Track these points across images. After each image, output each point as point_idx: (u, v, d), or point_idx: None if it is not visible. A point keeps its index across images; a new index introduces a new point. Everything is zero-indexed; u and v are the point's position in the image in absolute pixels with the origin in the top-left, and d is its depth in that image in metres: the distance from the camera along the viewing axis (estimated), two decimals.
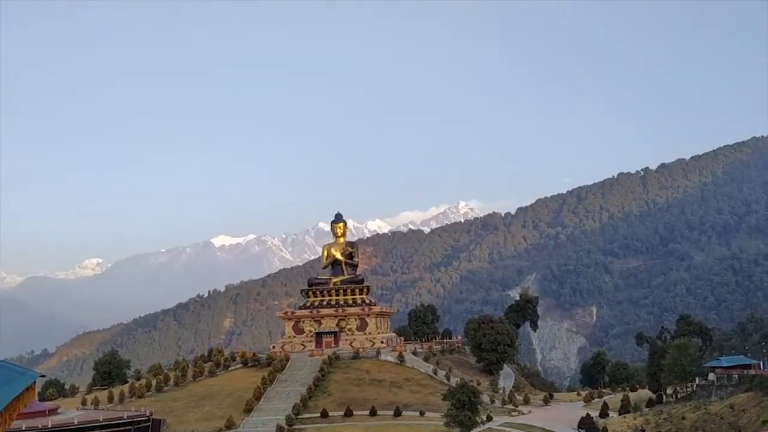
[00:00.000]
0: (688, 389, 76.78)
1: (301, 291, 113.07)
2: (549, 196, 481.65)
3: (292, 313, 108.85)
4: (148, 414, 66.19)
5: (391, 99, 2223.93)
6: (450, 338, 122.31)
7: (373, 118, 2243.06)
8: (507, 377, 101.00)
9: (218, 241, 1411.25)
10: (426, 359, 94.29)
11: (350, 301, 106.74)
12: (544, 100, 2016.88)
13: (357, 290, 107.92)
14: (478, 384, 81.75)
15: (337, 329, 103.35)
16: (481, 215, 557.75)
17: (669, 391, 79.42)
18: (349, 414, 72.97)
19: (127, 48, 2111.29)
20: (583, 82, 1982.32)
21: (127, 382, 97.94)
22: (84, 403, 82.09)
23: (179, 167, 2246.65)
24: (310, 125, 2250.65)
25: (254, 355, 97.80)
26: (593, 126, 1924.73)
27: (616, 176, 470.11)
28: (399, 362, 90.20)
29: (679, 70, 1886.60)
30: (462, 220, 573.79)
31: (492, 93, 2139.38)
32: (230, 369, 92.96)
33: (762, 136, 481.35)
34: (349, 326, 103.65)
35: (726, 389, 68.11)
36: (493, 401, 78.96)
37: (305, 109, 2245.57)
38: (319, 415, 73.03)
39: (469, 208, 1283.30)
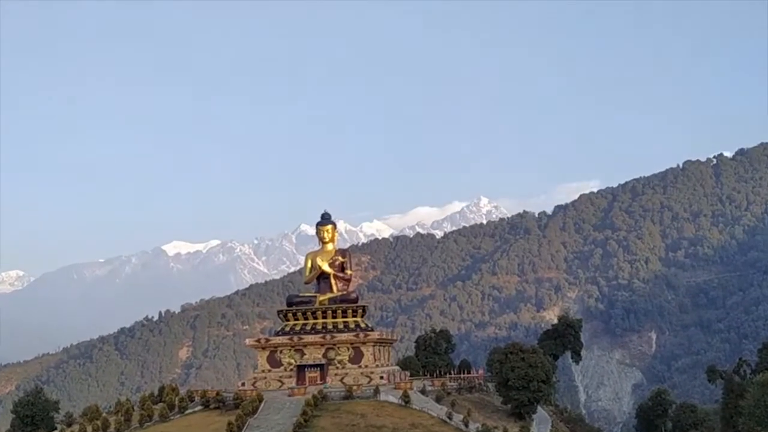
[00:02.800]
0: None
1: (278, 312, 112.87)
2: (596, 191, 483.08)
3: (267, 340, 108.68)
4: None
5: (390, 74, 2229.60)
6: (469, 372, 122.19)
7: (369, 97, 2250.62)
8: (542, 422, 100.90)
9: (172, 248, 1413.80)
10: (438, 399, 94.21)
11: (341, 326, 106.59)
12: (586, 79, 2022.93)
13: (350, 311, 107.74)
14: (505, 431, 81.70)
15: (324, 361, 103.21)
16: (509, 215, 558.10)
17: None
18: None
19: (70, 37, 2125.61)
20: (640, 54, 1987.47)
21: (56, 428, 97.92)
22: None
23: (121, 158, 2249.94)
24: (290, 103, 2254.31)
25: (218, 394, 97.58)
26: (652, 103, 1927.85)
27: (681, 165, 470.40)
28: (403, 403, 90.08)
29: (755, 36, 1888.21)
30: (484, 222, 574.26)
31: (522, 71, 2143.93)
32: (187, 412, 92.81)
33: None
34: (339, 357, 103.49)
35: None
36: None
37: (283, 86, 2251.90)
38: None
39: (493, 206, 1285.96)
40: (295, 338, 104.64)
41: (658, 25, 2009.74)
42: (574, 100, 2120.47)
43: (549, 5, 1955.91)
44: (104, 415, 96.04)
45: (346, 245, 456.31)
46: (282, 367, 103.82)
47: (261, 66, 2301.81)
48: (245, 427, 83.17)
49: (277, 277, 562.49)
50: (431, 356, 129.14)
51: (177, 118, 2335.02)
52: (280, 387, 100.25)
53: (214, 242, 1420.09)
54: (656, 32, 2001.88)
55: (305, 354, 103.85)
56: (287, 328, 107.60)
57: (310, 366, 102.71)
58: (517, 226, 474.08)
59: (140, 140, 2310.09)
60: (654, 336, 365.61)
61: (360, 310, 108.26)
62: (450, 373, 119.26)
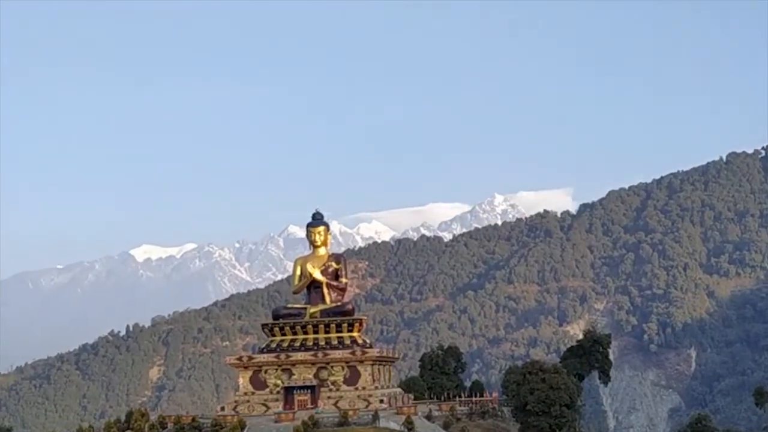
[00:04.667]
0: None
1: (263, 326, 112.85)
2: (627, 187, 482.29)
3: (250, 358, 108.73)
4: None
5: (389, 56, 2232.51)
6: (481, 395, 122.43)
7: (366, 81, 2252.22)
8: None
9: (141, 253, 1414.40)
10: (446, 426, 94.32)
11: (335, 342, 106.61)
12: (615, 61, 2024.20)
13: (345, 325, 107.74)
14: None
15: (315, 382, 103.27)
16: (528, 215, 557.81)
17: None
18: None
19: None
20: (678, 34, 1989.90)
21: None
22: None
23: (83, 151, 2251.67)
24: (277, 88, 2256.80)
25: (194, 419, 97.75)
26: (691, 88, 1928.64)
27: (724, 158, 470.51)
28: (406, 431, 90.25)
29: None
30: (499, 222, 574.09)
31: (544, 55, 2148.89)
32: None
33: None
34: (333, 378, 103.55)
35: None
36: None
37: (270, 69, 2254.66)
38: None
39: (509, 204, 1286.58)
40: (282, 356, 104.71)
41: (700, 8, 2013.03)
42: (601, 84, 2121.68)
43: None
44: None
45: (341, 249, 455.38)
46: (267, 389, 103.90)
47: (247, 49, 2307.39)
48: None
49: (262, 285, 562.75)
50: (438, 377, 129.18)
51: (145, 106, 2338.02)
52: (265, 412, 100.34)
53: (190, 246, 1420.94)
54: (696, 14, 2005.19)
55: (294, 374, 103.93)
56: (273, 345, 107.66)
57: (300, 388, 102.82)
58: (537, 227, 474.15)
59: (104, 131, 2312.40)
60: (694, 353, 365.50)
61: (357, 324, 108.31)
62: (460, 396, 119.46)
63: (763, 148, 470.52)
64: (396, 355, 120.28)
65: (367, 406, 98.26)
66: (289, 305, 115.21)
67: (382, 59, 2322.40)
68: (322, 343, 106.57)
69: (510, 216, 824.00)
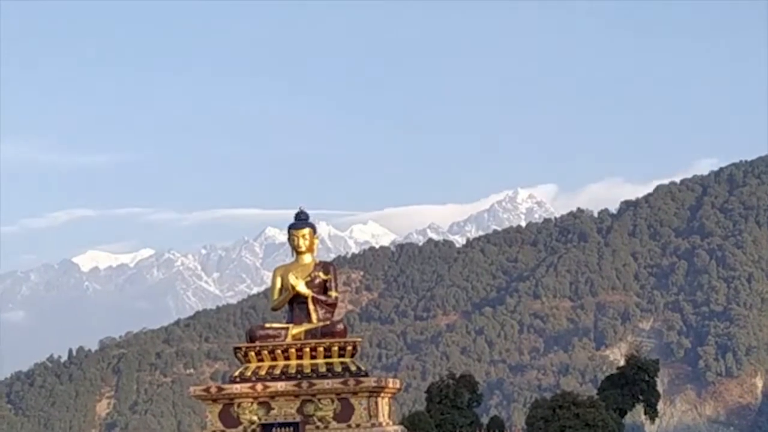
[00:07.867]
0: None
1: (235, 350, 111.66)
2: (678, 181, 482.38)
3: (219, 389, 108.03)
4: None
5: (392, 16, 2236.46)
6: None
7: (362, 64, 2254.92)
8: None
9: (87, 260, 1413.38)
10: None
11: (323, 369, 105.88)
12: (667, 31, 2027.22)
13: (335, 349, 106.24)
14: None
15: (299, 418, 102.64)
16: (558, 215, 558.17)
17: None
18: None
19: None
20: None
21: None
22: None
23: (18, 139, 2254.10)
24: (259, 70, 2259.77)
25: None
26: (752, 60, 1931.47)
27: None
28: None
29: None
30: (523, 224, 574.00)
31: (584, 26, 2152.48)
32: None
33: None
34: (320, 413, 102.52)
35: None
36: None
37: (241, 53, 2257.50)
38: None
39: (535, 202, 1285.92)
40: (259, 386, 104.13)
41: None
42: (648, 59, 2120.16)
43: None
44: None
45: (331, 256, 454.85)
46: (241, 427, 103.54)
47: (227, 38, 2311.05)
48: None
49: (234, 300, 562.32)
50: (449, 411, 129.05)
51: (101, 88, 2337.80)
52: None
53: (146, 252, 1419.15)
54: None
55: (273, 408, 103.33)
56: (248, 373, 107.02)
57: (280, 425, 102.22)
58: (569, 229, 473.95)
59: (43, 110, 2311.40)
60: (759, 383, 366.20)
61: (349, 348, 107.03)
62: None
63: None
64: (397, 386, 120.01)
65: None
66: (268, 325, 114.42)
67: (379, 50, 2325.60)
68: (308, 370, 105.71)
69: (536, 216, 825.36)
